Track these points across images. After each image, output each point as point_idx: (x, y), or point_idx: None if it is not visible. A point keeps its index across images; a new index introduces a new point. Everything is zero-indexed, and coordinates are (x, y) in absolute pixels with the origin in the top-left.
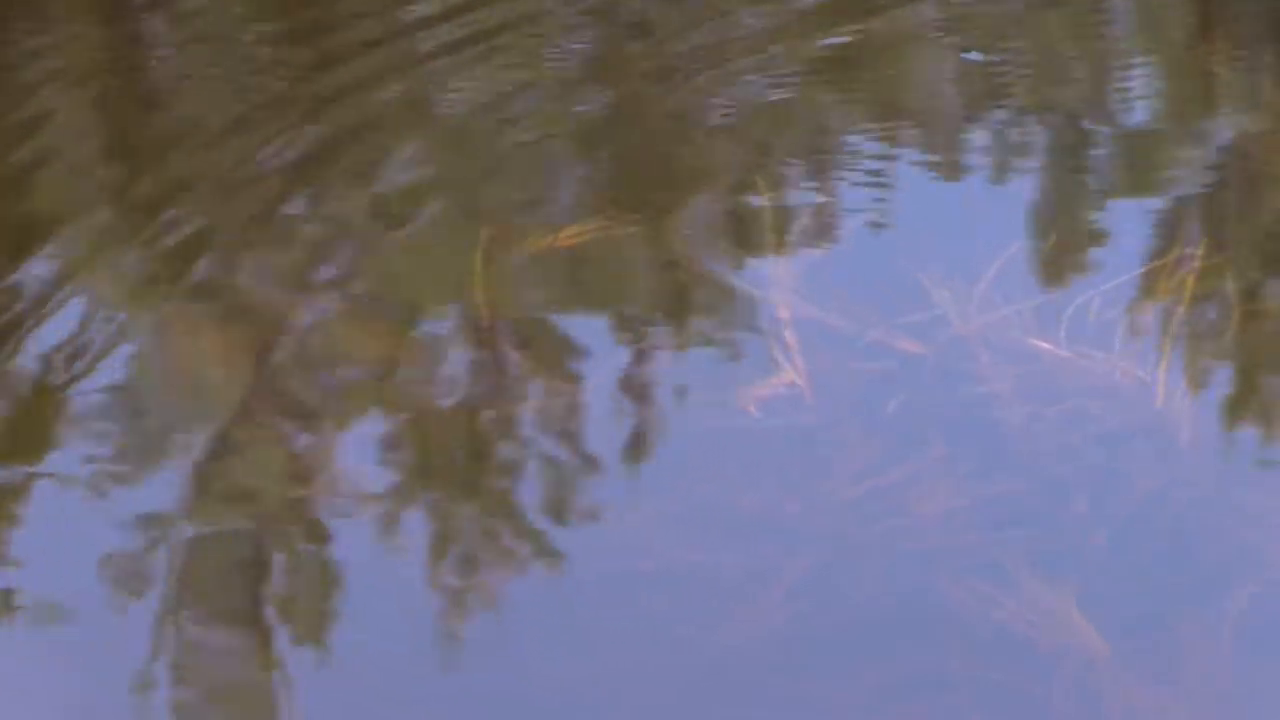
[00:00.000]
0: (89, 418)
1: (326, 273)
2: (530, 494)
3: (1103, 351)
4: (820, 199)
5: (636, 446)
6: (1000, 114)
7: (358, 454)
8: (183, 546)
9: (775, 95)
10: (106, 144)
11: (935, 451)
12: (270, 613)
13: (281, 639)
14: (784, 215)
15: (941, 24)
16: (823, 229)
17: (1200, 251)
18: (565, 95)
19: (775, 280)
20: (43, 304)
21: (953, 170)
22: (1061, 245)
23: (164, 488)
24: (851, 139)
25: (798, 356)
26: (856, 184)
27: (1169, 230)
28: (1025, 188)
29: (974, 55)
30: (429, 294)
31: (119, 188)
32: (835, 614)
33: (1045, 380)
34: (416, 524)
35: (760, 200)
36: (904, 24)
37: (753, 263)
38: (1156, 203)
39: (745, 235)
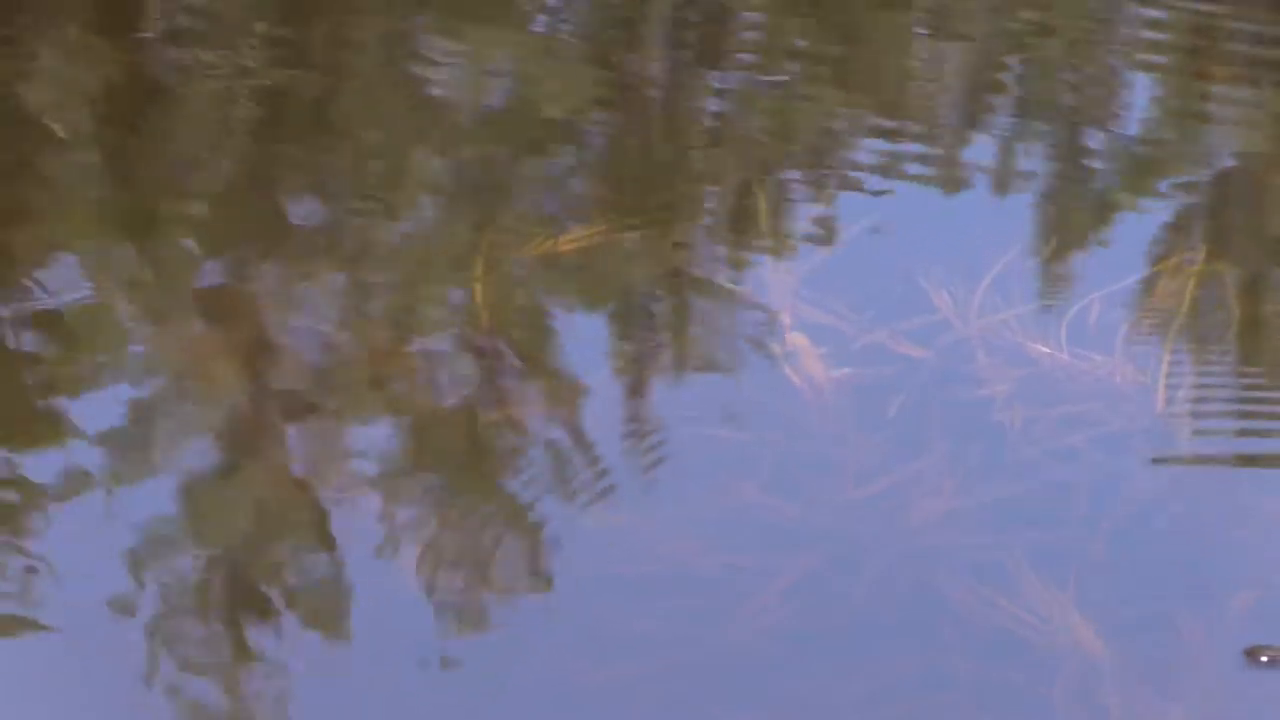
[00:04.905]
0: (89, 421)
1: (327, 279)
2: (530, 498)
3: (1103, 355)
4: (822, 203)
5: (637, 450)
6: (1002, 119)
7: (358, 459)
8: (183, 552)
9: (777, 98)
10: (107, 149)
11: (936, 453)
12: (271, 617)
13: (283, 643)
14: (785, 219)
15: (943, 28)
16: (824, 233)
17: (1200, 255)
18: (567, 99)
19: (777, 284)
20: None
21: (954, 174)
22: (1062, 249)
23: (165, 490)
24: (853, 142)
25: (799, 359)
26: (858, 188)
27: (1169, 234)
28: (1026, 192)
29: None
30: (430, 299)
31: (118, 192)
32: (835, 614)
33: (1046, 383)
34: (417, 528)
35: (761, 205)
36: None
37: (754, 267)
38: (1157, 207)
39: (746, 239)
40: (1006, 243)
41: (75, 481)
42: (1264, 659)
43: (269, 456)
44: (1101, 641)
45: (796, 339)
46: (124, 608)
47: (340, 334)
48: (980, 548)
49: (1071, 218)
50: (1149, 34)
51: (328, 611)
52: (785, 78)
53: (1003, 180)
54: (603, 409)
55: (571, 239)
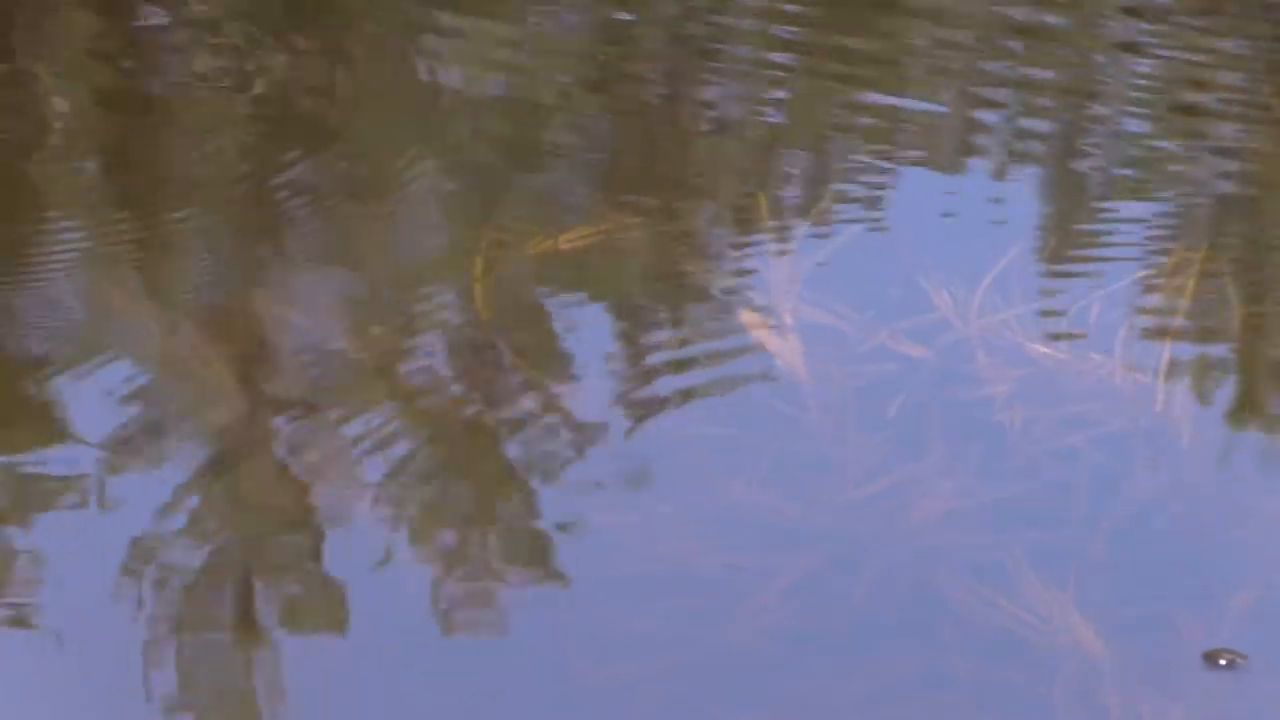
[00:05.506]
0: (88, 420)
1: (325, 278)
2: (529, 497)
3: (1103, 354)
4: (822, 202)
5: (637, 449)
6: (1001, 118)
7: (357, 459)
8: (181, 552)
9: (777, 98)
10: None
11: (936, 453)
12: (270, 618)
13: (282, 644)
14: (785, 218)
15: (940, 28)
16: (824, 232)
17: (1201, 254)
18: (566, 98)
19: (777, 283)
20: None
21: (954, 174)
22: (1062, 248)
23: (163, 490)
24: (853, 142)
25: (799, 359)
26: (858, 187)
27: (1170, 233)
28: (1026, 191)
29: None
30: (429, 298)
31: (115, 187)
32: (835, 614)
33: (1046, 383)
34: (416, 527)
35: (762, 204)
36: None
37: (754, 266)
38: (1157, 206)
39: (747, 238)
40: (1006, 243)
41: (72, 481)
42: (1222, 662)
43: (267, 455)
44: (1101, 641)
45: (796, 339)
46: (122, 607)
47: (338, 333)
48: (980, 548)
49: (1072, 216)
50: (1147, 25)
51: (327, 611)
52: (785, 76)
53: (1003, 179)
54: (602, 408)
55: (571, 238)
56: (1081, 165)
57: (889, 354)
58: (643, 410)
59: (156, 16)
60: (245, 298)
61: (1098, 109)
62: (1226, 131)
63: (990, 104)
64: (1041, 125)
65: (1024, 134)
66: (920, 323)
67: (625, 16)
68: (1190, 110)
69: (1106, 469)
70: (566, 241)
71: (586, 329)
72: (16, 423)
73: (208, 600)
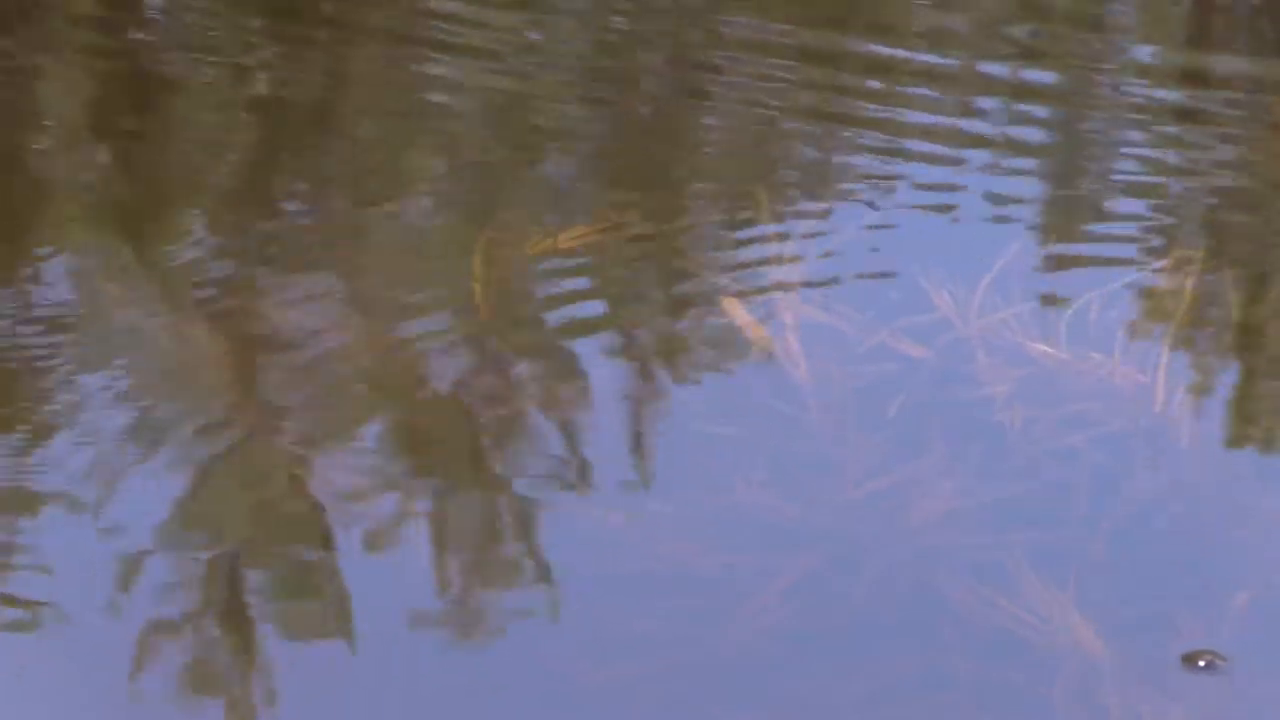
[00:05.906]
0: (86, 417)
1: (325, 275)
2: (528, 496)
3: (1103, 354)
4: (822, 201)
5: (636, 448)
6: (1000, 116)
7: (356, 457)
8: (180, 548)
9: (777, 98)
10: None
11: (936, 453)
12: (268, 618)
13: (280, 644)
14: (785, 217)
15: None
16: (824, 231)
17: (1200, 254)
18: (566, 97)
19: (776, 282)
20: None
21: (953, 172)
22: (1061, 248)
23: (161, 488)
24: (853, 140)
25: (799, 358)
26: (858, 186)
27: (1169, 233)
28: (1026, 190)
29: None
30: (428, 296)
31: (112, 185)
32: (835, 614)
33: (1045, 383)
34: (414, 527)
35: (762, 203)
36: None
37: (754, 265)
38: (1157, 206)
39: (747, 237)
40: (1007, 242)
41: (71, 481)
42: (1201, 664)
43: (266, 454)
44: (1101, 641)
45: (796, 339)
46: (122, 606)
47: (338, 332)
48: (980, 548)
49: (1071, 215)
50: (1148, 25)
51: (325, 611)
52: (785, 76)
53: (1003, 177)
54: (601, 407)
55: (570, 237)
56: (1081, 166)
57: (889, 354)
58: (642, 409)
59: (150, 30)
60: (244, 298)
61: (1097, 108)
62: (1226, 132)
63: (989, 104)
64: (1041, 124)
65: (1025, 131)
66: (920, 323)
67: (627, 19)
68: (1191, 109)
69: (1106, 469)
70: (565, 240)
71: (585, 327)
72: (16, 422)
73: (205, 600)
